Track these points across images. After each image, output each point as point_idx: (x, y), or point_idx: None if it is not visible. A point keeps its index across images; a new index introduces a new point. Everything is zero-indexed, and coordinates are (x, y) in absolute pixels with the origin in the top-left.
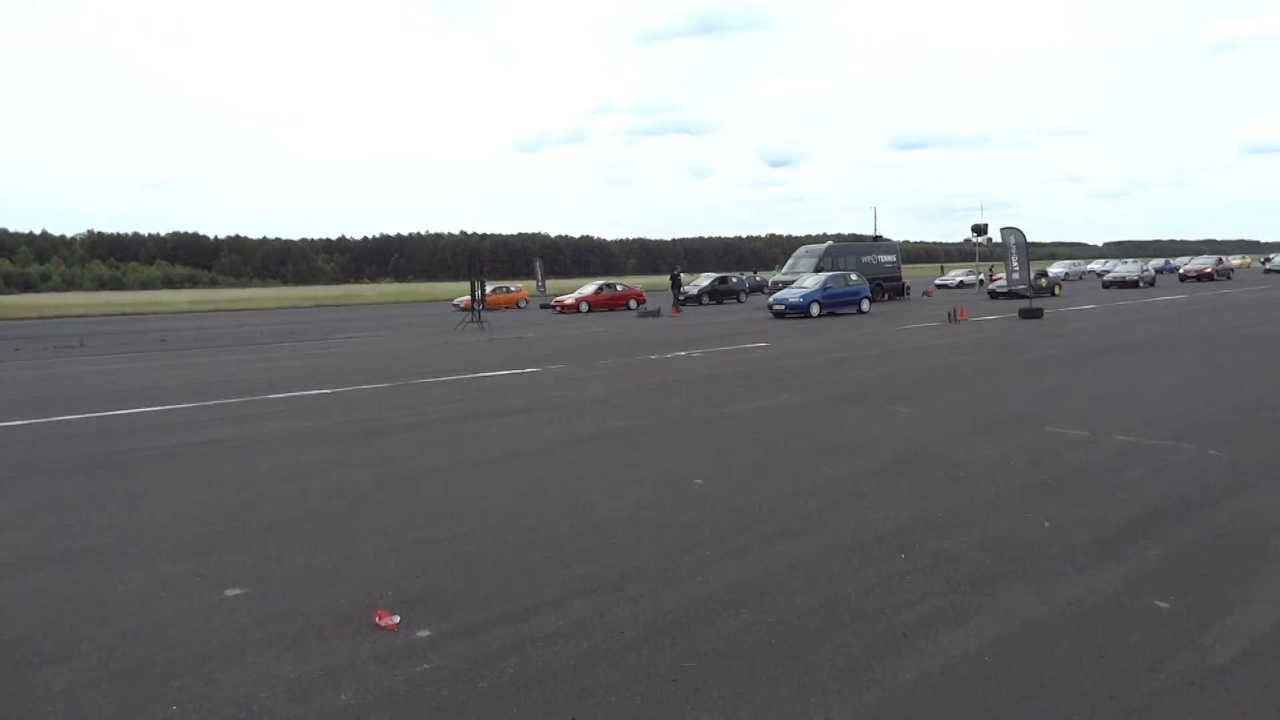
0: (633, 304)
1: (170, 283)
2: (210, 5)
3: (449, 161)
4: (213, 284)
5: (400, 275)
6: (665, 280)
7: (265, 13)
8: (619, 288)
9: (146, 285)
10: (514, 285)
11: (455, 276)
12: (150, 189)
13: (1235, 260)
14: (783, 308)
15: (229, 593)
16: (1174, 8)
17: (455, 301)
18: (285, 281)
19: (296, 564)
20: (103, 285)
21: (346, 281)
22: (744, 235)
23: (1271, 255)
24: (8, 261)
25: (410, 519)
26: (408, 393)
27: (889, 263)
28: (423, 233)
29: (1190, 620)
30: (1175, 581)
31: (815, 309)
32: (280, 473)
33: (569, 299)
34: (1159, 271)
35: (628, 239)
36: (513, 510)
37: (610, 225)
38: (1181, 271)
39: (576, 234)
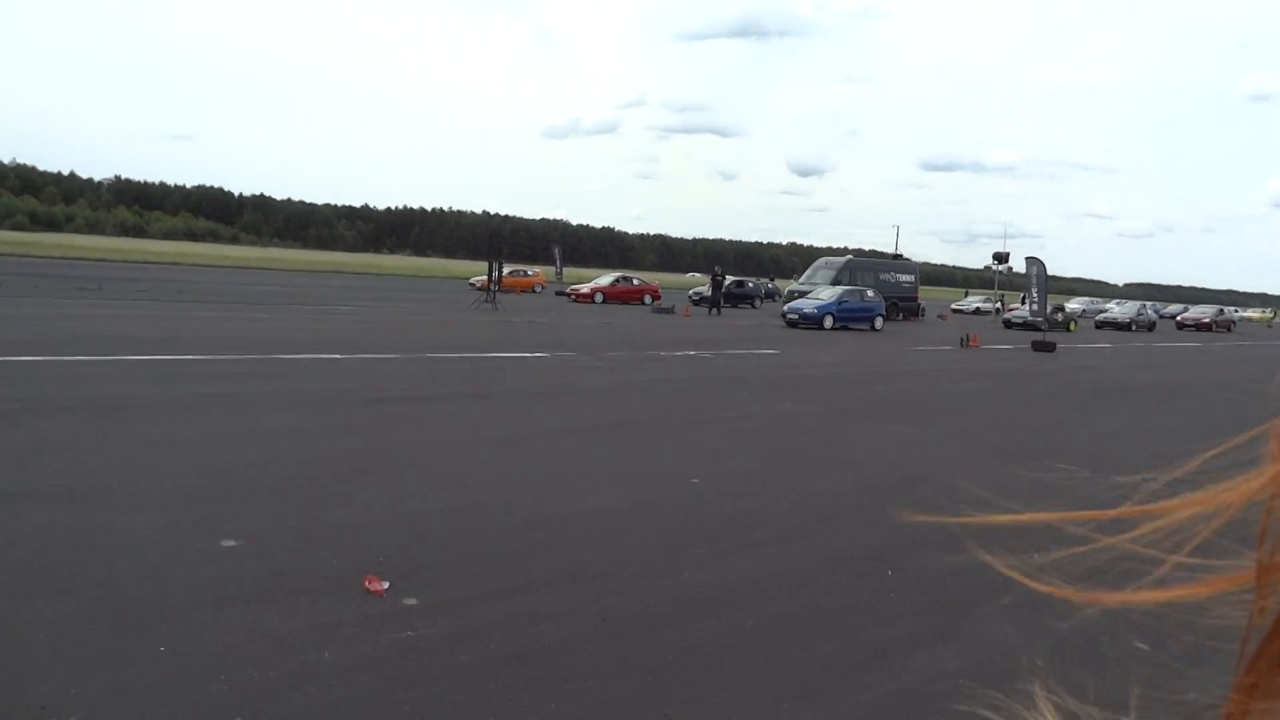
0: (648, 299)
1: (192, 235)
2: None
3: (478, 141)
4: (234, 240)
5: (420, 249)
6: (678, 280)
7: None
8: (635, 281)
9: (169, 235)
10: (531, 269)
11: (474, 255)
12: (178, 140)
13: (1252, 313)
14: (796, 317)
15: (225, 544)
16: (1214, 55)
17: (472, 281)
18: (306, 245)
19: (293, 523)
20: (125, 232)
21: (366, 250)
22: (764, 241)
23: None
24: (34, 200)
25: (407, 490)
26: (417, 366)
27: (907, 282)
28: (445, 209)
29: (1171, 662)
30: (1155, 624)
31: (829, 321)
32: (285, 433)
33: (585, 288)
34: (1164, 317)
35: (648, 234)
36: (509, 491)
37: (633, 219)
38: (1179, 319)
39: (598, 225)
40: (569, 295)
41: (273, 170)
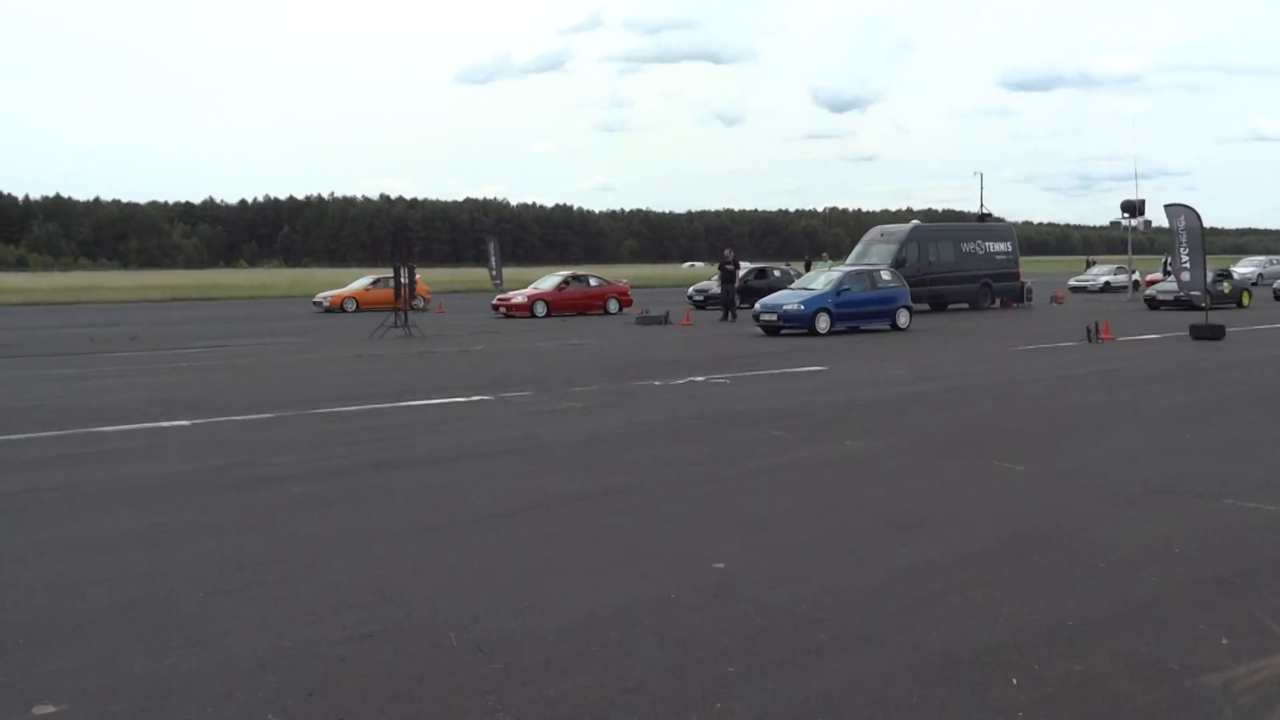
0: (614, 305)
1: None
2: None
3: (365, 100)
4: (21, 265)
5: (293, 257)
6: (670, 274)
7: None
8: (593, 281)
9: None
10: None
11: (373, 260)
12: None
13: None
14: (774, 319)
15: (38, 711)
16: None
17: (317, 299)
18: (127, 264)
19: (137, 670)
20: None
21: (216, 264)
22: (790, 209)
23: None
24: None
25: (302, 610)
26: (302, 427)
27: (1001, 253)
28: (326, 196)
29: None
30: None
31: (823, 322)
32: (120, 539)
33: (518, 296)
34: None
35: (623, 210)
36: (449, 600)
37: (598, 191)
38: None
39: (549, 203)
40: (497, 308)
41: (73, 163)
